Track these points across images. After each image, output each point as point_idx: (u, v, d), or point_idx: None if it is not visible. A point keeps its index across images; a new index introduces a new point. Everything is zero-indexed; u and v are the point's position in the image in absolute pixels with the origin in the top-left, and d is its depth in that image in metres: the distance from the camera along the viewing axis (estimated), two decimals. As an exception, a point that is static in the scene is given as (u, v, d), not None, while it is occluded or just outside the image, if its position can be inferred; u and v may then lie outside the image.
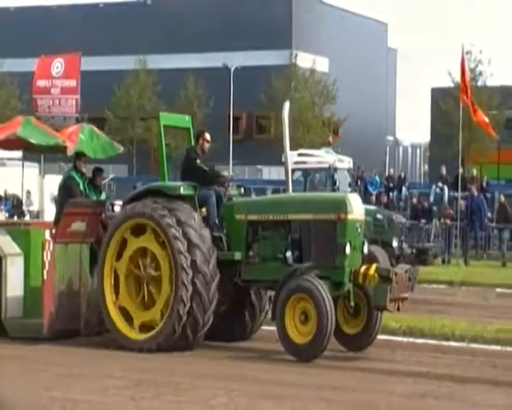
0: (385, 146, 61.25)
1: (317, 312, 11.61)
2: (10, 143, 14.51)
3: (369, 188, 41.87)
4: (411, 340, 13.65)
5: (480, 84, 48.58)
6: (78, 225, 13.31)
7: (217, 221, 12.75)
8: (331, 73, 55.32)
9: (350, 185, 22.64)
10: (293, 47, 54.43)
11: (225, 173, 13.33)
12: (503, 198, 32.90)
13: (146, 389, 10.17)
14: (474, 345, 13.31)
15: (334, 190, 20.93)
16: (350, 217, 12.15)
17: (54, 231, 13.38)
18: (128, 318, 12.59)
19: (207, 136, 13.41)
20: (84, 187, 14.24)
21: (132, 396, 9.71)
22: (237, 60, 55.08)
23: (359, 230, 12.36)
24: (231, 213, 12.84)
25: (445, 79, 48.22)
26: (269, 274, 12.52)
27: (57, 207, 14.32)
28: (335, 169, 21.84)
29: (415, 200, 36.75)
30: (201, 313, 12.18)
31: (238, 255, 12.60)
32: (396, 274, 12.04)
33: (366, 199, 39.07)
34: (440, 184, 39.16)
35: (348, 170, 22.75)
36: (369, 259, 18.36)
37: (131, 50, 56.11)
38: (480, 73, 48.78)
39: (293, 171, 20.88)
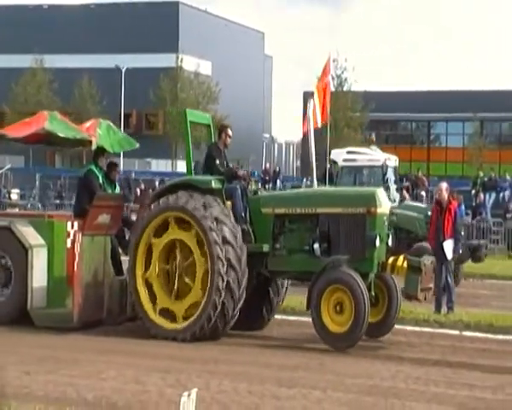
0: (262, 143, 61.79)
1: (355, 303, 11.19)
2: (37, 137, 13.51)
3: (248, 181, 42.40)
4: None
5: (345, 89, 49.56)
6: (104, 218, 12.73)
7: (243, 214, 12.24)
8: (214, 75, 55.45)
9: (396, 182, 21.37)
10: (180, 51, 54.35)
11: (240, 173, 12.62)
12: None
13: (44, 364, 10.09)
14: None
15: (387, 188, 19.41)
16: (379, 210, 11.79)
17: (80, 223, 12.56)
18: (171, 315, 11.98)
19: (230, 131, 12.80)
20: (103, 181, 13.48)
21: (28, 371, 9.56)
22: (128, 61, 54.77)
23: (386, 223, 12.02)
24: (258, 207, 12.33)
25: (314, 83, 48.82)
26: (296, 265, 12.13)
27: (77, 200, 13.56)
28: (387, 167, 20.55)
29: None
30: (232, 308, 11.73)
31: (266, 247, 12.09)
32: (425, 265, 11.77)
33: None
34: (310, 178, 40.00)
35: (394, 168, 21.48)
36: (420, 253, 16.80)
37: (29, 50, 55.17)
38: (346, 79, 49.77)
39: (343, 168, 20.62)
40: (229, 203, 12.18)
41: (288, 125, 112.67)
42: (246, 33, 62.25)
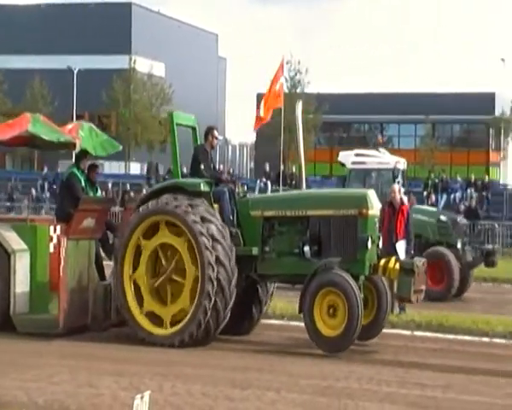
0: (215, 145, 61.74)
1: (349, 305, 11.05)
2: (20, 140, 13.19)
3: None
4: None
5: (298, 91, 49.76)
6: (89, 222, 12.47)
7: (231, 217, 12.07)
8: (167, 77, 55.30)
9: (404, 186, 20.52)
10: (133, 52, 54.11)
11: (223, 177, 12.57)
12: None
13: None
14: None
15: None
16: (371, 212, 11.67)
17: (64, 227, 12.30)
18: (157, 319, 11.76)
19: (216, 133, 12.75)
20: (85, 184, 13.21)
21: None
22: (80, 63, 54.35)
23: (377, 224, 11.92)
24: (246, 209, 12.16)
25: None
26: (286, 268, 11.96)
27: (60, 203, 13.31)
28: (398, 170, 19.83)
29: (241, 195, 37.74)
30: (223, 307, 11.52)
31: (255, 250, 11.89)
32: (417, 267, 11.65)
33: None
34: (264, 180, 40.09)
35: (403, 171, 20.81)
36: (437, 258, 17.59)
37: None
38: (299, 81, 49.98)
39: (351, 171, 19.76)
40: (216, 206, 12.01)
41: (241, 126, 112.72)
42: (199, 35, 62.13)
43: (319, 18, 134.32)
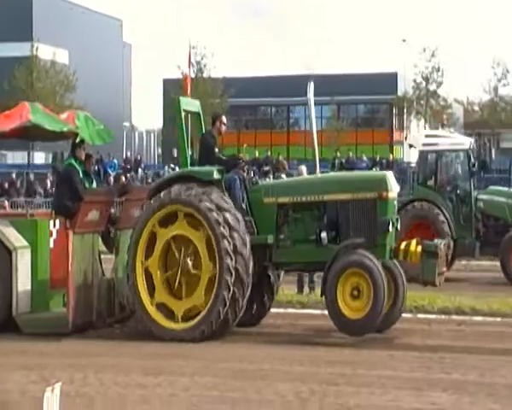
0: (122, 131, 61.13)
1: (374, 287, 10.70)
2: (19, 131, 12.46)
3: (109, 170, 41.95)
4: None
5: (205, 75, 49.71)
6: (94, 214, 11.95)
7: (243, 205, 11.64)
8: (71, 64, 54.39)
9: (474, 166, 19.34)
10: (34, 39, 53.02)
11: (241, 156, 12.15)
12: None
13: None
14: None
15: (472, 173, 18.61)
16: (390, 195, 11.34)
17: (63, 220, 11.88)
18: (168, 311, 11.33)
19: (224, 119, 12.25)
20: (83, 175, 12.73)
21: None
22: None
23: (396, 207, 11.64)
24: (259, 197, 11.71)
25: (174, 71, 48.81)
26: (302, 256, 11.58)
27: (58, 196, 12.81)
28: (472, 150, 18.97)
29: (150, 179, 37.46)
30: (242, 296, 11.12)
31: (270, 238, 11.46)
32: (440, 249, 11.34)
33: (106, 180, 39.32)
34: (172, 165, 39.96)
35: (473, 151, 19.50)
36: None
37: None
38: (205, 66, 49.93)
39: (422, 153, 18.97)
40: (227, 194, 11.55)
41: (148, 112, 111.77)
42: (103, 21, 61.22)
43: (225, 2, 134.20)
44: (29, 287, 11.78)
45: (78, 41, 57.12)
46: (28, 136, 13.64)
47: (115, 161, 44.10)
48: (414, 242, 11.48)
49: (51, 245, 11.99)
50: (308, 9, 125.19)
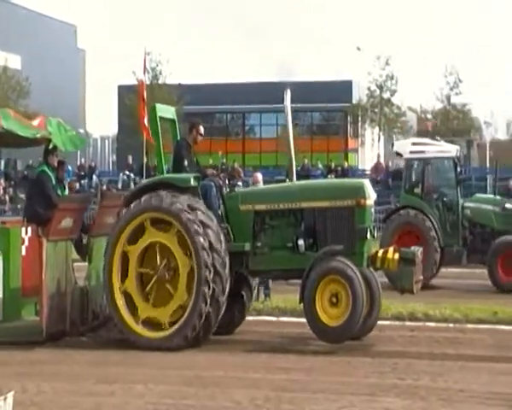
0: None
1: (353, 294, 10.70)
2: None
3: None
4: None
5: (160, 82, 49.61)
6: (67, 222, 11.80)
7: (219, 212, 11.62)
8: (24, 70, 53.94)
9: (461, 174, 19.78)
10: (-14, 45, 52.48)
11: (209, 172, 11.97)
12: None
13: None
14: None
15: (459, 181, 18.70)
16: (368, 202, 11.37)
17: (35, 228, 11.74)
18: (155, 324, 11.23)
19: (201, 129, 12.18)
20: (55, 182, 12.54)
21: None
22: None
23: (373, 215, 11.66)
24: (235, 204, 11.69)
25: (129, 77, 48.64)
26: (279, 263, 11.54)
27: (30, 203, 12.59)
28: (458, 158, 18.89)
29: (104, 187, 37.28)
30: (221, 293, 11.05)
31: (247, 246, 11.42)
32: (417, 256, 11.36)
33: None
34: (127, 172, 39.80)
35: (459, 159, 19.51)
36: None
37: None
38: (160, 72, 49.85)
39: (409, 160, 18.90)
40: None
41: (102, 119, 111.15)
42: (57, 26, 60.81)
43: (178, 9, 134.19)
44: (1, 295, 11.67)
45: (31, 46, 56.58)
46: (1, 142, 13.41)
47: (69, 167, 43.69)
48: (391, 249, 11.51)
49: (23, 253, 11.87)
50: (267, 16, 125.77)
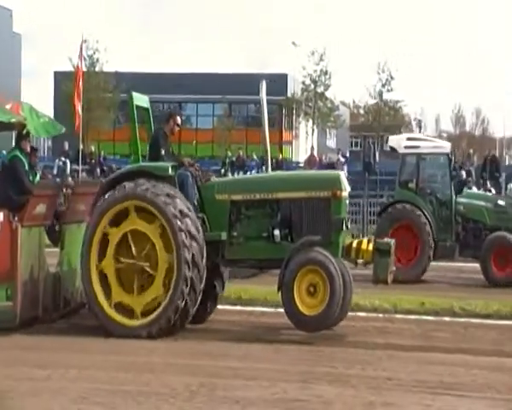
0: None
1: (330, 284, 10.72)
2: None
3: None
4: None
5: (97, 69, 49.16)
6: (41, 208, 11.60)
7: (195, 202, 11.48)
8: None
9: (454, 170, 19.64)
10: None
11: (185, 161, 11.72)
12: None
13: None
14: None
15: (453, 177, 18.99)
16: (344, 194, 11.38)
17: (6, 213, 11.39)
18: (127, 310, 11.06)
19: (178, 119, 12.05)
20: (28, 167, 12.32)
21: None
22: None
23: (347, 206, 11.68)
24: (211, 194, 11.58)
25: (66, 63, 48.09)
26: (255, 253, 11.50)
27: (1, 187, 12.19)
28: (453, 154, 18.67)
29: (39, 172, 36.99)
30: (199, 282, 10.96)
31: (223, 235, 11.36)
32: (391, 247, 11.42)
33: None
34: (63, 158, 39.39)
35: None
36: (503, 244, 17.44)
37: None
38: (97, 60, 49.38)
39: (403, 156, 18.87)
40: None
41: (38, 105, 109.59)
42: (-7, 10, 59.76)
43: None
44: None
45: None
46: None
47: (4, 152, 43.07)
48: (365, 240, 11.64)
49: None
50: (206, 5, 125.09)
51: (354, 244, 11.52)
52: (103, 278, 11.19)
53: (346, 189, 11.56)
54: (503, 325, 12.67)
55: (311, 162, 39.37)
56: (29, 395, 8.22)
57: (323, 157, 43.60)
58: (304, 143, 55.40)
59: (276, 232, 11.41)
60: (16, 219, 11.50)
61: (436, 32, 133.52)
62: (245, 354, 10.21)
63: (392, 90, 54.51)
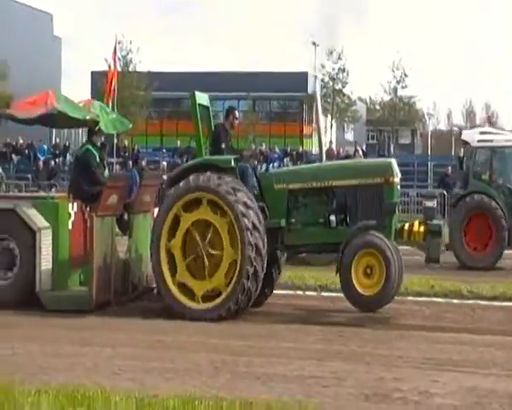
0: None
1: (386, 266, 10.91)
2: (47, 118, 12.30)
3: (38, 155, 41.32)
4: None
5: (131, 69, 49.27)
6: (113, 199, 11.97)
7: (255, 191, 11.67)
8: (2, 54, 53.18)
9: None
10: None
11: (244, 153, 12.13)
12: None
13: None
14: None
15: None
16: (396, 180, 11.57)
17: (80, 204, 11.97)
18: (189, 291, 11.24)
19: (237, 114, 12.35)
20: (99, 160, 12.67)
21: None
22: None
23: (399, 191, 11.84)
24: (270, 183, 11.79)
25: (102, 63, 48.20)
26: (312, 238, 11.65)
27: (75, 180, 12.68)
28: None
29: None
30: (261, 269, 11.11)
31: (283, 222, 11.54)
32: (442, 228, 11.59)
33: (36, 165, 38.78)
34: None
35: None
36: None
37: None
38: (131, 60, 49.51)
39: (477, 149, 18.94)
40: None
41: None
42: (34, 15, 60.03)
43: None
44: (50, 266, 11.85)
45: (9, 34, 55.75)
46: (52, 123, 13.74)
47: (45, 146, 43.43)
48: (417, 222, 11.81)
49: (70, 227, 12.06)
50: (228, 8, 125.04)
51: (406, 227, 11.73)
52: (171, 258, 11.39)
53: (398, 175, 11.74)
54: (509, 306, 12.60)
55: (329, 155, 39.25)
56: (64, 370, 8.37)
57: (341, 150, 43.44)
58: (323, 136, 55.20)
59: (332, 218, 11.60)
60: (88, 209, 12.00)
61: (447, 32, 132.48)
62: (267, 333, 10.37)
63: (406, 86, 54.45)
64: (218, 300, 11.12)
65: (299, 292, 13.41)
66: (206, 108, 12.46)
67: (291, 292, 13.17)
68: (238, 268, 11.05)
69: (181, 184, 11.41)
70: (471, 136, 19.86)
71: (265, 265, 11.26)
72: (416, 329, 10.75)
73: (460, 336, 10.30)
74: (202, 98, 12.32)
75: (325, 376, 8.20)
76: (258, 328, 10.63)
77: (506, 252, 18.45)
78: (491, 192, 18.56)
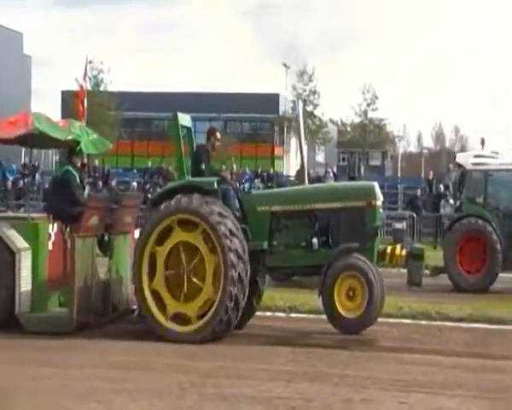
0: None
1: (369, 289, 10.89)
2: (27, 138, 12.05)
3: (7, 175, 41.13)
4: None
5: (102, 89, 49.26)
6: (94, 219, 11.83)
7: (237, 213, 11.57)
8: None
9: None
10: None
11: (223, 174, 11.93)
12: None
13: None
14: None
15: None
16: (378, 203, 11.56)
17: (60, 225, 11.79)
18: (184, 319, 11.10)
19: (218, 134, 12.21)
20: (79, 181, 12.55)
21: None
22: None
23: (381, 214, 11.81)
24: (253, 205, 11.71)
25: (72, 83, 48.12)
26: (294, 260, 11.60)
27: (53, 201, 12.49)
28: None
29: (46, 185, 36.95)
30: (242, 299, 10.98)
31: (265, 245, 11.48)
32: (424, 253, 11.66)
33: (4, 185, 38.59)
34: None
35: None
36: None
37: None
38: (102, 80, 49.50)
39: (471, 172, 18.95)
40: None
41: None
42: (4, 33, 59.83)
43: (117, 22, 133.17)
44: (30, 287, 11.69)
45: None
46: (32, 143, 13.51)
47: (14, 166, 43.23)
48: (398, 246, 11.82)
49: (50, 247, 11.93)
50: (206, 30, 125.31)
51: (388, 250, 11.74)
52: (153, 262, 11.27)
53: (380, 198, 11.77)
54: (476, 327, 12.75)
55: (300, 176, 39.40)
56: (30, 393, 8.31)
57: (311, 171, 43.65)
58: (294, 157, 55.55)
59: (315, 241, 11.57)
60: (68, 229, 11.86)
61: (414, 56, 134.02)
62: (234, 354, 10.32)
63: (376, 109, 54.83)
64: (209, 315, 10.96)
65: (268, 313, 13.45)
66: (188, 128, 12.36)
67: (260, 313, 13.23)
68: (217, 303, 10.90)
69: (151, 214, 11.30)
70: (465, 159, 19.83)
71: (247, 293, 11.15)
72: (385, 350, 10.79)
73: (427, 358, 10.33)
74: (184, 119, 12.19)
75: (293, 397, 8.20)
76: (228, 349, 10.61)
77: (501, 275, 18.37)
78: (485, 215, 18.49)
